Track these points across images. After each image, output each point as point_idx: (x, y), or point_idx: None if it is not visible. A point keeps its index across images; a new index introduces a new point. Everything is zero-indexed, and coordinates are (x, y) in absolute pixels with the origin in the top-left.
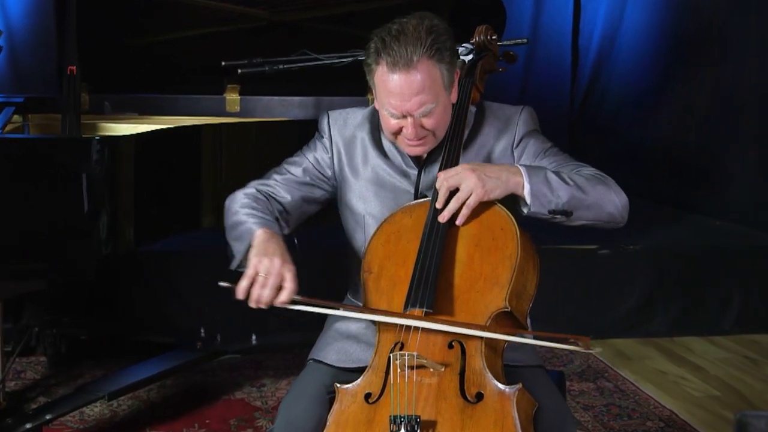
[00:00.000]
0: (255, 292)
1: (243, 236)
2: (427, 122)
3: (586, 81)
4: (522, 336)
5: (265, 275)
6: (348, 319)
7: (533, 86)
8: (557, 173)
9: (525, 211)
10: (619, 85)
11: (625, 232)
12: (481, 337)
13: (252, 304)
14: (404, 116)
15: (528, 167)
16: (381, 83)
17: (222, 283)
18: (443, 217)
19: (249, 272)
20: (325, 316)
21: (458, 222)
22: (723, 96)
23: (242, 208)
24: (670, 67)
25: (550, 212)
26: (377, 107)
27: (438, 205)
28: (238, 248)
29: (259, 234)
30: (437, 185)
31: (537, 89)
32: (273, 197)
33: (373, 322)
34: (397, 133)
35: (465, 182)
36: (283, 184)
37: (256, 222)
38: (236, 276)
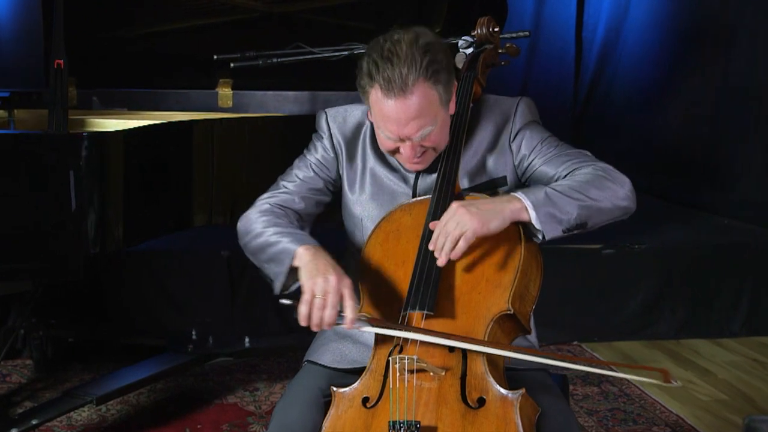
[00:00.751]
0: (315, 316)
1: (278, 258)
2: (426, 143)
3: (591, 75)
4: (595, 366)
5: (323, 296)
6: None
7: (535, 81)
8: (554, 188)
9: (540, 237)
10: (624, 79)
11: (631, 231)
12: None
13: (315, 329)
14: (402, 140)
15: (525, 191)
16: (376, 107)
17: (284, 301)
18: (441, 262)
19: (305, 297)
20: None
21: (453, 257)
22: (732, 90)
23: (267, 227)
24: (678, 60)
25: (565, 231)
26: (372, 121)
27: (431, 247)
28: (273, 270)
29: (301, 253)
30: (434, 236)
31: (539, 84)
32: (288, 207)
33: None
34: (395, 152)
35: (460, 222)
36: (296, 191)
37: (290, 240)
38: (297, 292)
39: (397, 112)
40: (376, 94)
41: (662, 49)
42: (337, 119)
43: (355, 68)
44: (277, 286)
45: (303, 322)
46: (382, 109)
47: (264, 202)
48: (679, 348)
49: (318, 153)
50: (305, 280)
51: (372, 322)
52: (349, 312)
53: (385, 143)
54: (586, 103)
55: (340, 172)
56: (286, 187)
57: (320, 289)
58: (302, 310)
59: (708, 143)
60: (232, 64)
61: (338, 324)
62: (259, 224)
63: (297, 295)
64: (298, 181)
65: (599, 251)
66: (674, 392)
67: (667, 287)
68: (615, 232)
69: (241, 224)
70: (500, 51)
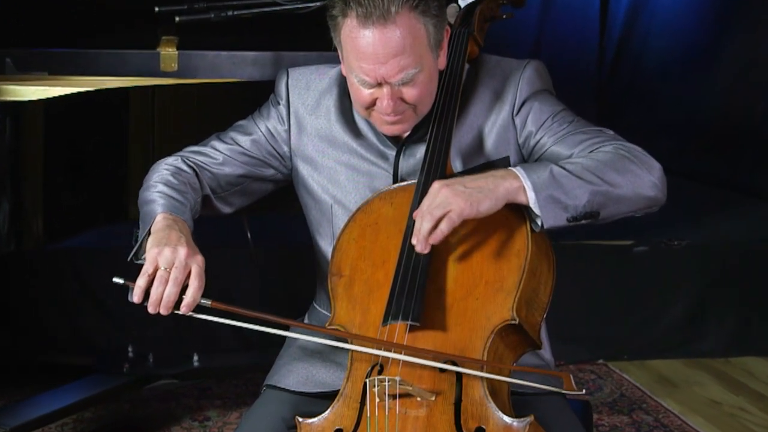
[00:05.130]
0: (155, 292)
1: (146, 218)
2: (408, 93)
3: (619, 31)
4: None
5: (166, 268)
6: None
7: (551, 38)
8: (563, 166)
9: (538, 223)
10: (660, 37)
11: (669, 224)
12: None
13: (151, 309)
14: (379, 84)
15: (526, 167)
16: (349, 42)
17: (117, 280)
18: (420, 248)
19: (147, 268)
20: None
21: (432, 241)
22: None
23: (158, 182)
24: (726, 13)
25: (570, 220)
26: (345, 73)
27: (413, 240)
28: (140, 232)
29: (159, 220)
30: (416, 224)
31: (556, 42)
32: (206, 169)
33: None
34: (371, 107)
35: (442, 202)
36: (225, 154)
37: (163, 203)
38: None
39: (375, 46)
40: (350, 24)
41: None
42: (299, 84)
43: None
44: (133, 252)
45: (137, 299)
46: (356, 42)
47: (181, 154)
48: (729, 368)
49: (270, 120)
50: (151, 248)
51: (227, 310)
52: (190, 293)
53: (359, 93)
54: (614, 67)
55: (292, 148)
56: (215, 147)
57: (166, 260)
58: (140, 282)
59: (763, 116)
60: (177, 18)
61: (176, 311)
62: (156, 176)
63: (133, 275)
64: (233, 145)
65: (630, 249)
66: (723, 422)
67: (714, 293)
68: (649, 225)
69: (150, 169)
70: (501, 1)
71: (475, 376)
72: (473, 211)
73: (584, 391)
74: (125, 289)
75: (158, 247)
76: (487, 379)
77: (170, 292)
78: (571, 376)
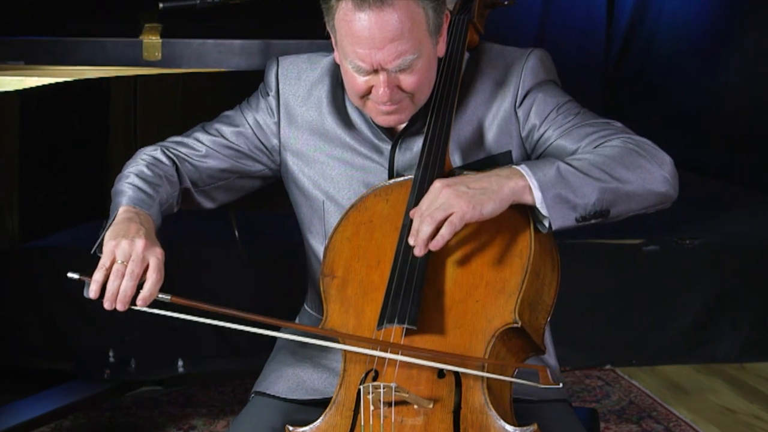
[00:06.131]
0: (111, 286)
1: (112, 211)
2: (406, 80)
3: (628, 18)
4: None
5: (123, 262)
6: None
7: (556, 25)
8: (570, 163)
9: (546, 225)
10: (671, 25)
11: (681, 222)
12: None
13: (107, 304)
14: (375, 71)
15: (530, 164)
16: (344, 26)
17: (71, 275)
18: (418, 252)
19: (103, 261)
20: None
21: (434, 247)
22: None
23: (131, 173)
24: (737, 2)
25: (579, 220)
26: (338, 61)
27: (411, 240)
28: (107, 223)
29: (120, 212)
30: (414, 224)
31: (561, 30)
32: (187, 161)
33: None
34: (365, 95)
35: (444, 204)
36: (208, 146)
37: (130, 195)
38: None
39: (371, 30)
40: (345, 7)
41: None
42: (289, 74)
43: (321, 10)
44: (96, 245)
45: (93, 294)
46: (351, 26)
47: (161, 144)
48: (743, 374)
49: (258, 112)
50: (108, 240)
51: (189, 305)
52: (147, 287)
53: (354, 81)
54: (622, 56)
55: (282, 141)
56: (198, 139)
57: (123, 253)
58: (97, 276)
59: None
60: (161, 4)
61: (132, 307)
62: (132, 166)
63: (90, 271)
64: (218, 137)
65: (639, 247)
66: (736, 431)
67: (728, 295)
68: (659, 222)
69: (131, 158)
70: None
71: (475, 380)
72: (476, 214)
73: (561, 384)
74: (81, 285)
75: (115, 239)
76: (487, 384)
77: (126, 286)
78: (548, 370)
